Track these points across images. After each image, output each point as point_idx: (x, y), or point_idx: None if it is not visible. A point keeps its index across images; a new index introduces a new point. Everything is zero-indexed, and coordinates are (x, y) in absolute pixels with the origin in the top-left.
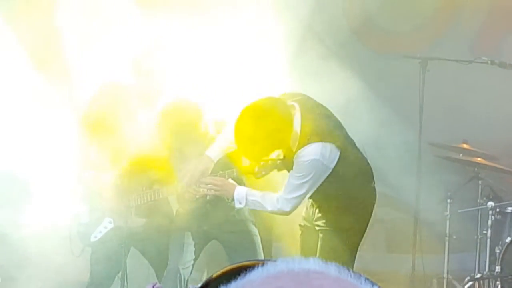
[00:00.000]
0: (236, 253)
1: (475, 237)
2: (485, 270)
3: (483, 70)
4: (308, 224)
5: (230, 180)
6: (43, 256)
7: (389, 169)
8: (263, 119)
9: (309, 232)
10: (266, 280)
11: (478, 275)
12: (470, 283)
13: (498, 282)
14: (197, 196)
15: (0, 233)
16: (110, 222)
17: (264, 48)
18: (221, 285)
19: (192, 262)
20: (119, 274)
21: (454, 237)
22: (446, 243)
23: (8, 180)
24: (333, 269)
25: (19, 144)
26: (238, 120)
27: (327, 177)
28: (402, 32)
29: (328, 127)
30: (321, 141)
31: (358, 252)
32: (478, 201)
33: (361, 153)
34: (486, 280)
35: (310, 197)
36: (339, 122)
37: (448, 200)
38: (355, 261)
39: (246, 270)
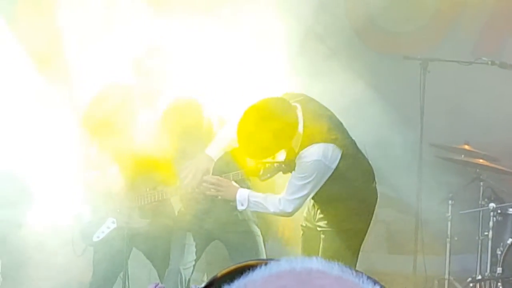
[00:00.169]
0: (238, 253)
1: (477, 238)
2: (486, 271)
3: (484, 71)
4: (310, 225)
5: (233, 183)
6: (45, 256)
7: (391, 170)
8: (268, 119)
9: (311, 233)
10: (269, 279)
11: (480, 277)
12: (472, 284)
13: (499, 284)
14: (200, 196)
15: (2, 233)
16: (113, 222)
17: (266, 49)
18: (224, 284)
19: (194, 262)
20: (121, 274)
21: (456, 238)
22: (448, 244)
23: (10, 180)
24: (335, 268)
25: (21, 144)
26: (241, 120)
27: (329, 177)
28: (403, 33)
29: (330, 128)
30: (323, 142)
31: (359, 253)
32: (480, 202)
33: (362, 153)
34: (488, 282)
35: (312, 198)
36: (341, 122)
37: (450, 201)
38: (357, 262)
39: (250, 269)
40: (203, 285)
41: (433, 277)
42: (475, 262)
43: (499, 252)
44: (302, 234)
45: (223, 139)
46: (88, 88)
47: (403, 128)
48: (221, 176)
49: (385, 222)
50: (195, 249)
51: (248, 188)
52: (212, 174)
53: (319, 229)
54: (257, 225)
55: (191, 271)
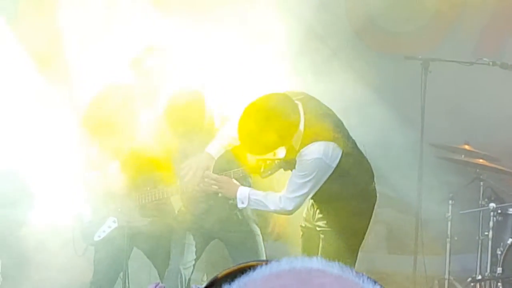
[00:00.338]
0: (238, 252)
1: (477, 238)
2: (486, 271)
3: (485, 71)
4: (309, 225)
5: (234, 181)
6: (46, 255)
7: (391, 170)
8: (270, 114)
9: (310, 233)
10: (269, 278)
11: (480, 277)
12: (472, 284)
13: (499, 284)
14: (200, 193)
15: (2, 233)
16: (114, 222)
17: (267, 48)
18: (225, 284)
19: (194, 262)
20: (121, 274)
21: (456, 238)
22: (448, 244)
23: (11, 180)
24: (335, 267)
25: (22, 144)
26: (243, 115)
27: (329, 177)
28: (404, 33)
29: (331, 127)
30: (324, 140)
31: (359, 253)
32: (480, 202)
33: (362, 154)
34: (488, 282)
35: (311, 198)
36: (341, 122)
37: (450, 201)
38: (358, 262)
39: (251, 269)
40: (204, 285)
41: (433, 277)
42: (475, 262)
43: (499, 252)
44: (302, 235)
45: (224, 137)
46: (88, 88)
47: (404, 128)
48: (221, 174)
49: (385, 222)
50: (195, 249)
51: (250, 186)
52: (213, 172)
53: (318, 229)
54: (257, 224)
55: (191, 270)
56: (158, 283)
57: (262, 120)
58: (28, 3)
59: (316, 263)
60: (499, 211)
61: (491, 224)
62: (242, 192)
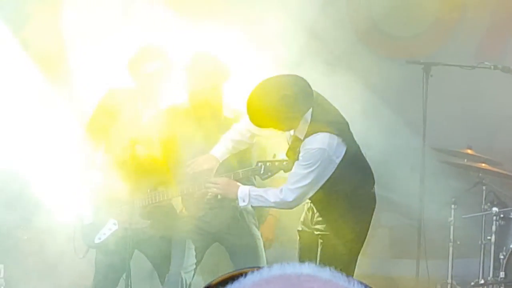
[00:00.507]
0: (239, 255)
1: (479, 242)
2: (489, 275)
3: (486, 75)
4: (307, 229)
5: (234, 181)
6: (47, 258)
7: (393, 174)
8: (282, 88)
9: (308, 238)
10: (259, 284)
11: (482, 281)
12: None
13: None
14: (202, 196)
15: (3, 234)
16: (114, 224)
17: (268, 54)
18: None
19: (194, 266)
20: (124, 276)
21: (458, 242)
22: (450, 249)
23: (12, 181)
24: (326, 273)
25: (23, 145)
26: (257, 87)
27: (330, 178)
28: (406, 37)
29: (337, 122)
30: (329, 132)
31: (362, 257)
32: (482, 206)
33: (364, 158)
34: (490, 286)
35: (311, 202)
36: (347, 122)
37: (452, 206)
38: (360, 266)
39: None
40: None
41: (436, 281)
42: (478, 267)
43: (502, 257)
44: (299, 239)
45: (229, 141)
46: (90, 89)
47: (406, 132)
48: (222, 176)
49: (388, 227)
50: (195, 252)
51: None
52: (217, 174)
53: (316, 232)
54: (258, 228)
55: (192, 274)
56: None
57: (275, 92)
58: (30, 5)
59: (307, 268)
60: (502, 215)
61: (493, 228)
62: (243, 191)
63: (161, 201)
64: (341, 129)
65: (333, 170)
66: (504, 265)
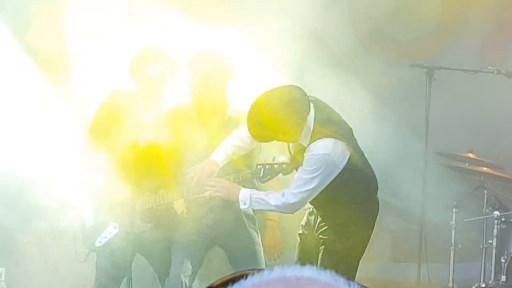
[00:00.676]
0: (238, 259)
1: (481, 246)
2: (490, 279)
3: (489, 80)
4: (308, 233)
5: (235, 184)
6: (48, 262)
7: (395, 178)
8: (282, 102)
9: (309, 241)
10: (258, 285)
11: (484, 285)
12: None
13: None
14: (203, 198)
15: (4, 237)
16: (115, 227)
17: (269, 56)
18: None
19: (194, 269)
20: (125, 280)
21: (460, 246)
22: (452, 252)
23: (12, 183)
24: (327, 276)
25: (24, 147)
26: (255, 102)
27: (333, 182)
28: (409, 41)
29: (341, 128)
30: (333, 137)
31: (363, 261)
32: (484, 210)
33: (368, 163)
34: None
35: (314, 206)
36: (351, 129)
37: (454, 209)
38: (361, 270)
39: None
40: None
41: (437, 285)
42: (479, 270)
43: (503, 260)
44: (299, 243)
45: (230, 147)
46: (92, 90)
47: (408, 136)
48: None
49: (389, 230)
50: (195, 255)
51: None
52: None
53: (317, 234)
54: (257, 232)
55: (192, 278)
56: None
57: (273, 107)
58: (32, 7)
59: (307, 271)
60: (503, 219)
61: (495, 232)
62: (244, 194)
63: (162, 204)
64: (345, 134)
65: (336, 174)
66: (505, 269)
